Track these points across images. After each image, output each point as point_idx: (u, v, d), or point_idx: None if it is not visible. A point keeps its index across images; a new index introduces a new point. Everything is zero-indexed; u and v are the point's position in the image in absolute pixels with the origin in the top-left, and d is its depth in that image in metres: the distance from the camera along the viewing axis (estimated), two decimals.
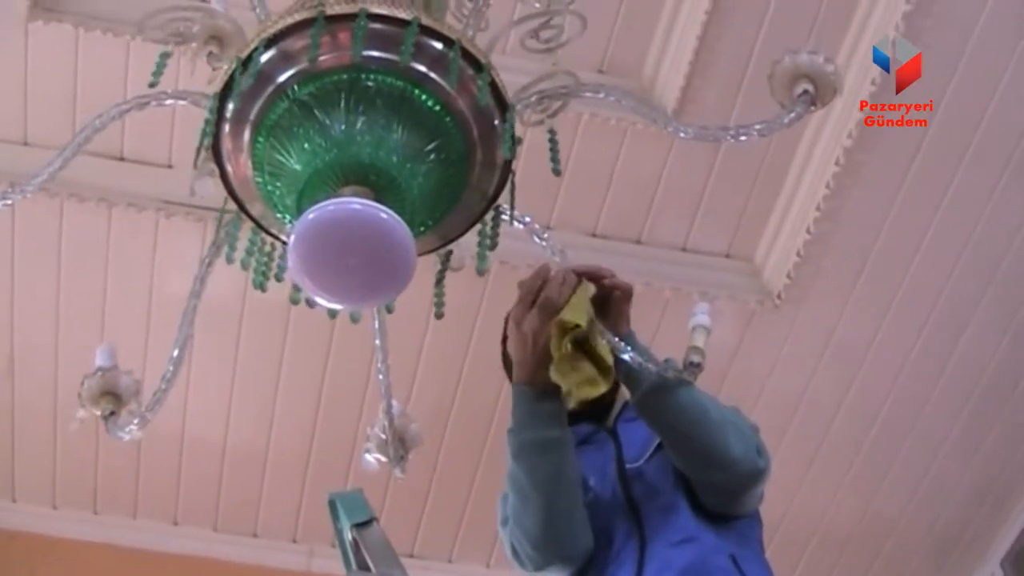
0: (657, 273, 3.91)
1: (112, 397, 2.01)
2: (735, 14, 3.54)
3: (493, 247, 1.95)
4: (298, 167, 1.81)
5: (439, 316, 2.00)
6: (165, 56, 1.90)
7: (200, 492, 4.43)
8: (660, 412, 2.01)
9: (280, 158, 1.82)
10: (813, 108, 1.89)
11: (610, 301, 2.01)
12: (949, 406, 4.23)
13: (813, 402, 4.24)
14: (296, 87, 1.80)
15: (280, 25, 1.81)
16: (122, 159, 3.79)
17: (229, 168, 1.88)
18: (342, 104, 1.79)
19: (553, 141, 1.99)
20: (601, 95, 2.06)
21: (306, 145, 1.80)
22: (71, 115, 3.62)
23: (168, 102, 1.99)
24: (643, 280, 3.76)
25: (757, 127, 1.91)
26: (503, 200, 1.95)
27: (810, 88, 1.87)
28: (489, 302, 3.88)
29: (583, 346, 1.95)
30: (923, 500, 4.45)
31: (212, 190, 1.89)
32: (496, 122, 1.86)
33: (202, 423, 4.24)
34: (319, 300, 1.77)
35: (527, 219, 2.04)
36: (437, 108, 1.82)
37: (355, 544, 2.13)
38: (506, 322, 2.09)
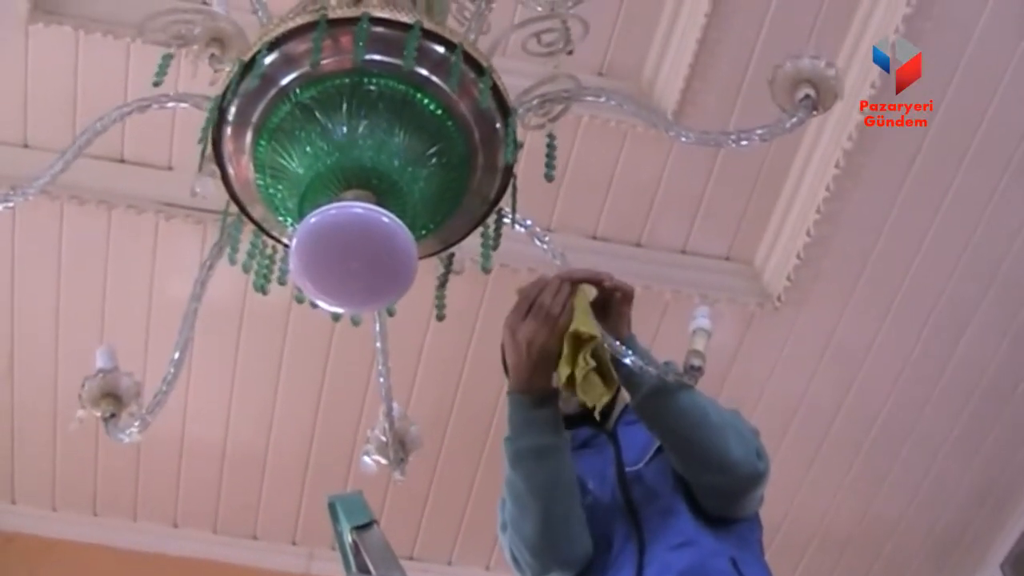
0: (657, 276, 3.91)
1: (113, 399, 2.00)
2: (735, 17, 3.54)
3: (496, 246, 1.96)
4: (300, 170, 1.81)
5: (440, 319, 2.00)
6: (168, 57, 1.89)
7: (200, 494, 4.42)
8: (660, 415, 2.00)
9: (282, 161, 1.82)
10: (815, 113, 1.88)
11: (611, 304, 2.01)
12: (949, 408, 4.23)
13: (813, 404, 4.23)
14: (298, 90, 1.80)
15: (282, 28, 1.81)
16: (122, 161, 3.79)
17: (231, 170, 1.87)
18: (344, 108, 1.79)
19: (551, 147, 1.98)
20: (603, 99, 2.05)
21: (308, 148, 1.80)
22: (71, 118, 3.62)
23: (169, 104, 1.98)
24: (643, 283, 3.74)
25: (759, 132, 1.90)
26: (504, 204, 1.95)
27: (812, 93, 1.87)
28: (489, 305, 3.88)
29: (593, 355, 1.93)
30: (923, 502, 4.44)
31: (213, 190, 1.88)
32: (497, 126, 1.86)
33: (202, 425, 4.23)
34: (321, 304, 1.77)
35: (528, 222, 2.03)
36: (439, 112, 1.82)
37: (355, 546, 2.14)
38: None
